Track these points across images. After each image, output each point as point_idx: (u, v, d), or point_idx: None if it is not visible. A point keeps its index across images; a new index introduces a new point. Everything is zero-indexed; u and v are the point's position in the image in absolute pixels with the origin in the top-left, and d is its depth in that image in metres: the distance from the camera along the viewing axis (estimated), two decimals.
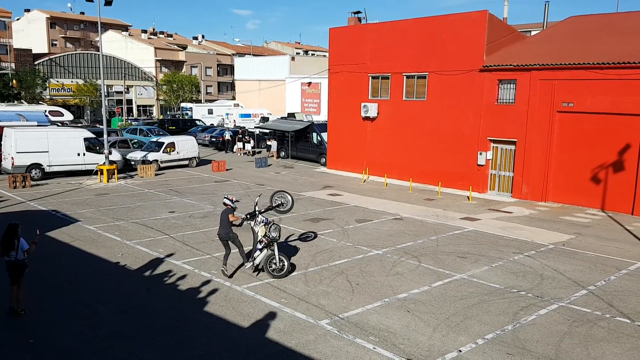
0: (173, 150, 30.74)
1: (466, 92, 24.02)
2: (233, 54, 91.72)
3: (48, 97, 63.92)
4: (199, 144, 34.62)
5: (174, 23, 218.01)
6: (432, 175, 25.46)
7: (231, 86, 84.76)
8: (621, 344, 9.38)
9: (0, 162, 26.28)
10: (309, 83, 57.30)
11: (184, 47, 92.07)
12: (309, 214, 19.36)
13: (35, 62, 64.98)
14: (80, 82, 67.76)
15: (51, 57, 68.60)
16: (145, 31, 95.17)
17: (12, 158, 24.93)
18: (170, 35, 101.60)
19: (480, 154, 23.65)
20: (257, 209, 12.66)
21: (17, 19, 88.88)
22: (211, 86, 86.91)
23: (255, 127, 44.66)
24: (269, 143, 37.70)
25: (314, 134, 34.38)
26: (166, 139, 31.68)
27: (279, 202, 13.48)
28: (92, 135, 27.84)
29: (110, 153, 26.31)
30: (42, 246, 14.07)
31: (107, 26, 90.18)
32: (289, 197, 13.59)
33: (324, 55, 70.71)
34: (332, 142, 30.95)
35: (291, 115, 47.36)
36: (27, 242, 10.34)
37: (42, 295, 11.27)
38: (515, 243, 15.98)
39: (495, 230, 17.44)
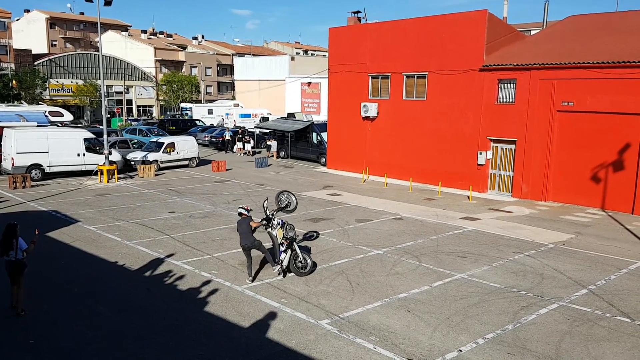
0: (173, 151, 30.73)
1: (466, 91, 24.02)
2: (233, 54, 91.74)
3: (48, 97, 63.93)
4: (199, 144, 34.62)
5: (174, 23, 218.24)
6: (432, 175, 25.45)
7: (231, 86, 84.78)
8: (621, 343, 9.38)
9: (0, 163, 26.28)
10: (309, 83, 57.30)
11: (184, 47, 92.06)
12: (309, 214, 19.35)
13: (35, 63, 64.96)
14: (80, 82, 67.76)
15: (51, 57, 68.60)
16: (145, 31, 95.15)
17: (12, 159, 24.92)
18: (170, 36, 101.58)
19: (480, 153, 23.65)
20: (268, 213, 12.74)
21: (17, 20, 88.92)
22: (211, 86, 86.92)
23: (255, 127, 44.67)
24: (268, 143, 37.69)
25: (314, 134, 34.38)
26: (166, 139, 31.67)
27: (286, 202, 13.51)
28: (92, 136, 27.83)
29: (110, 153, 26.30)
30: (43, 247, 14.08)
31: (106, 26, 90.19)
32: (293, 198, 13.73)
33: (324, 55, 70.69)
34: (332, 142, 30.95)
35: (291, 115, 47.38)
36: (26, 242, 10.35)
37: (42, 295, 11.28)
38: (516, 242, 15.97)
39: (495, 230, 17.44)
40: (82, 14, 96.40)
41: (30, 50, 67.00)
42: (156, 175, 28.16)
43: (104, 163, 25.80)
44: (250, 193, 23.42)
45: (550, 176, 21.97)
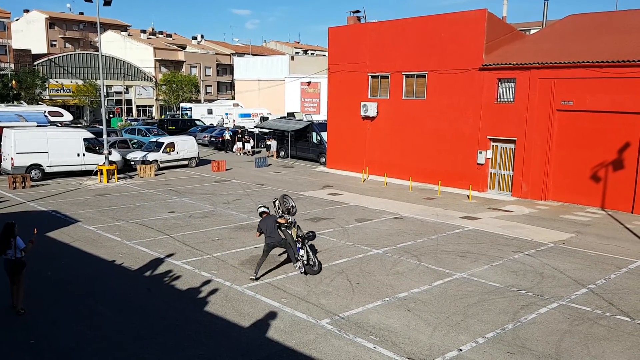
0: (173, 150, 30.73)
1: (466, 91, 24.02)
2: (232, 54, 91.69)
3: (47, 97, 63.93)
4: (198, 143, 34.61)
5: (173, 23, 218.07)
6: (432, 174, 25.46)
7: (230, 86, 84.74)
8: (621, 342, 9.38)
9: (0, 163, 26.27)
10: (309, 82, 57.27)
11: (183, 47, 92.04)
12: (309, 214, 19.35)
13: (35, 63, 64.96)
14: (80, 82, 67.75)
15: (50, 57, 68.58)
16: (144, 31, 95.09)
17: (12, 159, 24.92)
18: (170, 35, 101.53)
19: (480, 152, 23.65)
20: (281, 212, 12.77)
21: (16, 20, 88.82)
22: (210, 86, 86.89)
23: (254, 126, 44.66)
24: (268, 143, 37.69)
25: (314, 134, 34.38)
26: (166, 139, 31.67)
27: (290, 204, 13.46)
28: (92, 136, 27.81)
29: (110, 153, 26.30)
30: (43, 246, 14.09)
31: (106, 26, 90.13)
32: (292, 202, 13.62)
33: (324, 55, 70.63)
34: (331, 141, 30.95)
35: (291, 115, 47.32)
36: (24, 241, 10.36)
37: (42, 295, 11.28)
38: (515, 242, 15.97)
39: (495, 229, 17.44)
40: (82, 14, 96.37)
41: (30, 50, 67.00)
42: (156, 175, 28.15)
43: (104, 163, 25.79)
44: (250, 193, 23.42)
45: (550, 175, 21.98)
